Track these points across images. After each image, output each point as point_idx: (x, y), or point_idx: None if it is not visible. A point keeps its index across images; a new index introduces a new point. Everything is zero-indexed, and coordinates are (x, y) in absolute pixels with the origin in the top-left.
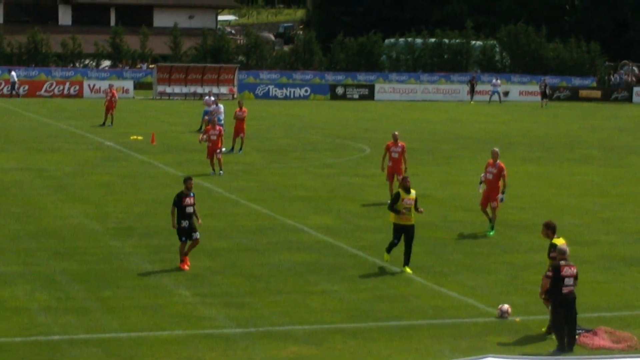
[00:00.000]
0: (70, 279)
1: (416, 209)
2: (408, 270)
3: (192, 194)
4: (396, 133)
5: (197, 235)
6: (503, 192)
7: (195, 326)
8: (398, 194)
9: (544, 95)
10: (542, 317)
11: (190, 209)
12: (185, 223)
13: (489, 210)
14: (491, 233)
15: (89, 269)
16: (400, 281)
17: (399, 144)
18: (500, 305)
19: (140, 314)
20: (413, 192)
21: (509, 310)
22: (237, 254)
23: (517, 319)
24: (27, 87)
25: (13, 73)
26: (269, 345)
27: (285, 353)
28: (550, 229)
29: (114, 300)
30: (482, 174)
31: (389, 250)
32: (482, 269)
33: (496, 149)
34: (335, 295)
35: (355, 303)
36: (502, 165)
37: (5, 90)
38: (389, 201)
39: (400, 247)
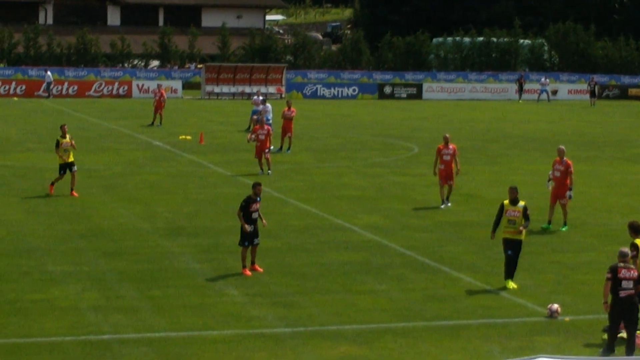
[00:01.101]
0: (119, 279)
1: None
2: (511, 284)
3: (258, 199)
4: (447, 135)
5: (258, 240)
6: (571, 189)
7: (244, 326)
8: (502, 206)
9: (592, 94)
10: (592, 316)
11: (256, 215)
12: (250, 228)
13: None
14: (564, 229)
15: (138, 268)
16: (450, 281)
17: (450, 146)
18: (549, 305)
19: (189, 314)
20: (521, 203)
21: (559, 309)
22: (286, 254)
23: (567, 319)
24: (76, 87)
25: (49, 73)
26: (318, 344)
27: (334, 353)
28: (631, 229)
29: (163, 300)
30: (550, 172)
31: (509, 273)
32: (531, 269)
33: (562, 147)
34: (385, 295)
35: (404, 302)
36: (569, 162)
37: (48, 90)
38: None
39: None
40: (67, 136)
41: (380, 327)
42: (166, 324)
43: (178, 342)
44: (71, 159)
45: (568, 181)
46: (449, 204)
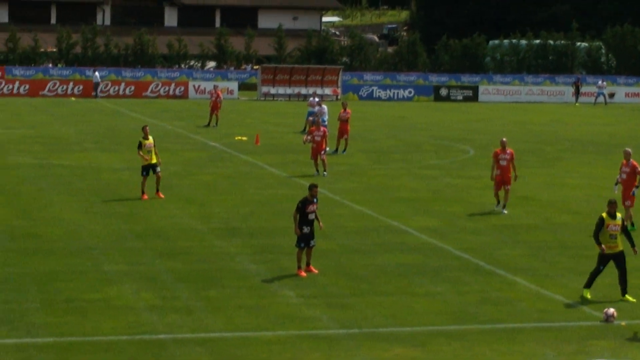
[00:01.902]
0: (175, 279)
1: (629, 239)
2: (630, 298)
3: (315, 200)
4: (504, 140)
5: (314, 242)
6: (637, 187)
7: (298, 327)
8: (602, 220)
9: None
10: None
11: (312, 216)
12: (306, 229)
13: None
14: (633, 228)
15: (193, 268)
16: (505, 284)
17: (508, 151)
18: (605, 309)
19: (244, 314)
20: (619, 216)
21: (615, 314)
22: (341, 255)
23: (623, 323)
24: (133, 87)
25: (97, 74)
26: (372, 346)
27: (389, 355)
28: None
29: (218, 300)
30: (618, 176)
31: (589, 283)
32: (587, 272)
33: (628, 149)
34: (440, 297)
35: (459, 305)
36: (635, 163)
37: (96, 91)
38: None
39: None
40: (150, 137)
41: (434, 329)
42: (221, 324)
43: (233, 343)
44: (154, 160)
45: (637, 181)
46: (505, 211)
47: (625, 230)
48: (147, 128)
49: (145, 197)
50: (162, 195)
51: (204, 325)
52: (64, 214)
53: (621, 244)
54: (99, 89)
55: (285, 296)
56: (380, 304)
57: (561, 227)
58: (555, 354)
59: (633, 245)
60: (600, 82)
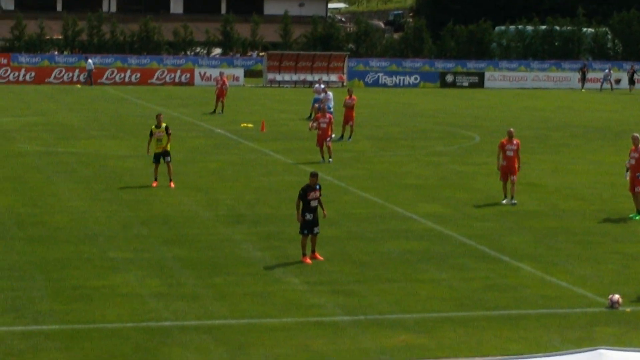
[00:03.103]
0: (180, 266)
1: None
2: None
3: (317, 186)
4: (511, 130)
5: (318, 229)
6: None
7: (304, 314)
8: None
9: (630, 81)
10: None
11: (315, 203)
12: (309, 216)
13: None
14: (637, 217)
15: (199, 255)
16: (510, 270)
17: (514, 141)
18: (610, 295)
19: (249, 301)
20: None
21: (620, 300)
22: (347, 242)
23: (628, 310)
24: (139, 75)
25: (90, 61)
26: (378, 333)
27: (394, 341)
28: None
29: (224, 287)
30: (627, 162)
31: None
32: (592, 259)
33: (637, 134)
34: (445, 284)
35: (464, 292)
36: None
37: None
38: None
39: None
40: (163, 125)
41: (440, 316)
42: (227, 311)
43: (238, 330)
44: (167, 148)
45: None
46: (515, 202)
47: None
48: (162, 116)
49: (155, 184)
50: (172, 185)
51: (210, 312)
52: (70, 202)
53: None
54: (92, 77)
55: (290, 283)
56: (385, 290)
57: (567, 213)
58: (560, 340)
59: None
60: (607, 71)
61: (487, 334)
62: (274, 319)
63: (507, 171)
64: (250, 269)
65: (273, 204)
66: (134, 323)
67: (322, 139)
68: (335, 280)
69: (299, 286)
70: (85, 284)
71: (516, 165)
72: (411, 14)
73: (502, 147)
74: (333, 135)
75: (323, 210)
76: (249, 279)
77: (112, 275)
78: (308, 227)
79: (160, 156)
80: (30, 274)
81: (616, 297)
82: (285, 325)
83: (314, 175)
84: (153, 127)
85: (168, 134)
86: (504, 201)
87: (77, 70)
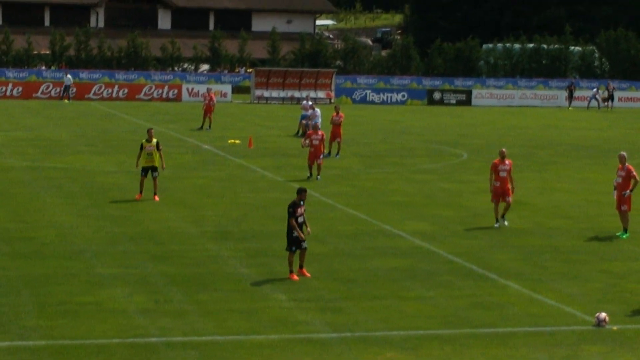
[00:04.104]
0: (167, 282)
1: None
2: None
3: (302, 203)
4: (504, 150)
5: (305, 244)
6: (631, 190)
7: (291, 330)
8: None
9: (610, 98)
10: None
11: (301, 219)
12: (296, 233)
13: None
14: (624, 236)
15: (186, 272)
16: (497, 288)
17: (507, 162)
18: (597, 314)
19: (236, 318)
20: None
21: (607, 318)
22: (333, 259)
23: (615, 328)
24: (126, 90)
25: (69, 76)
26: (364, 350)
27: (381, 358)
28: None
29: (210, 304)
30: (614, 180)
31: None
32: (579, 277)
33: (623, 153)
34: (431, 301)
35: (451, 309)
36: (630, 167)
37: (68, 93)
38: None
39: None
40: (154, 140)
41: (426, 333)
42: (213, 327)
43: (225, 346)
44: (156, 163)
45: (631, 184)
46: (506, 223)
47: None
48: (152, 131)
49: (139, 196)
50: (157, 199)
51: (196, 329)
52: (56, 217)
53: None
54: (70, 92)
55: (277, 300)
56: (372, 307)
57: (553, 231)
58: (547, 358)
59: None
60: (595, 90)
61: (474, 352)
62: (261, 336)
63: (500, 192)
64: (236, 286)
65: (260, 220)
66: (120, 339)
67: (314, 156)
68: (322, 297)
69: (285, 303)
70: (71, 299)
71: (509, 187)
72: (399, 32)
73: (495, 168)
74: (325, 152)
75: (307, 227)
76: (235, 295)
77: (98, 291)
78: (296, 243)
79: (149, 170)
80: (16, 289)
81: (603, 315)
82: (272, 342)
83: (301, 192)
84: (144, 140)
85: (159, 150)
86: (496, 225)
87: (64, 86)
